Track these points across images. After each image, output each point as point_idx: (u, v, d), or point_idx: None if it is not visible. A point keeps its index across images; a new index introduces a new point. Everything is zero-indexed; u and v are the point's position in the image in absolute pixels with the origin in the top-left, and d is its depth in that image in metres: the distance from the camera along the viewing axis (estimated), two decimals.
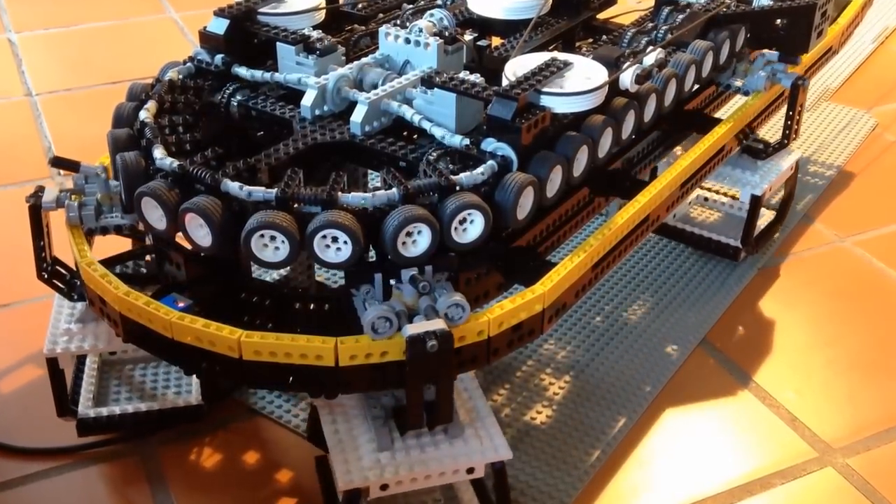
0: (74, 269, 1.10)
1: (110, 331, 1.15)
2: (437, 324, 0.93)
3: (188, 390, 1.25)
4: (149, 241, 1.13)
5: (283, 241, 0.92)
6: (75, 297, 1.15)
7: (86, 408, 1.20)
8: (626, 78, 1.14)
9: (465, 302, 0.95)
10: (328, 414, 1.05)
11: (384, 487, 0.99)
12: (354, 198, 0.94)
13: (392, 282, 0.98)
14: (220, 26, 1.17)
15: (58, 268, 1.16)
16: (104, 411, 1.20)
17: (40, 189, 1.12)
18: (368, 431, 1.02)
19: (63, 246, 1.13)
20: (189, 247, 0.99)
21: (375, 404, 1.04)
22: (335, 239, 0.92)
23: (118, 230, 1.12)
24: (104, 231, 1.11)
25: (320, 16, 1.25)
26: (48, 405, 1.20)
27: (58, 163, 1.11)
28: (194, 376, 1.25)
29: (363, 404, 1.05)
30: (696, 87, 1.31)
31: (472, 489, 1.10)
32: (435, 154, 1.02)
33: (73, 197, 1.11)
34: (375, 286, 0.98)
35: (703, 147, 1.28)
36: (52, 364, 1.17)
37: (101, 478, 1.18)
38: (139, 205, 0.97)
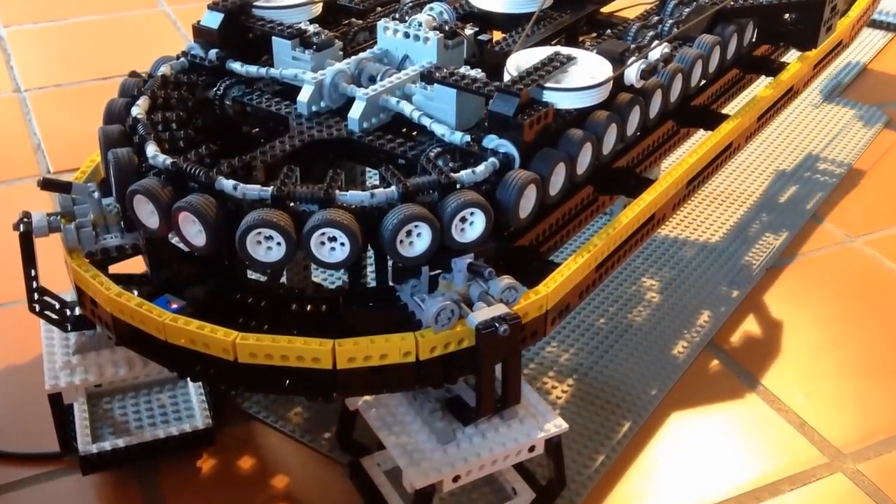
0: (76, 294, 1.06)
1: (114, 361, 1.13)
2: (500, 308, 0.94)
3: (189, 414, 1.20)
4: (141, 241, 1.10)
5: (279, 241, 0.90)
6: (69, 327, 1.12)
7: (86, 444, 1.14)
8: (631, 73, 1.12)
9: (518, 284, 0.96)
10: (378, 418, 1.05)
11: (456, 479, 1.00)
12: (352, 196, 0.92)
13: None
14: (214, 20, 1.16)
15: (46, 298, 1.11)
16: (107, 445, 1.14)
17: (26, 215, 1.06)
18: (423, 428, 1.02)
19: (47, 273, 1.11)
20: (183, 246, 0.97)
21: (429, 399, 1.04)
22: (333, 238, 0.91)
23: (120, 251, 1.07)
24: (105, 253, 1.06)
25: (317, 10, 1.24)
26: (40, 409, 1.17)
27: (48, 185, 1.06)
28: (193, 400, 1.22)
29: (408, 401, 1.05)
30: (703, 82, 1.28)
31: (513, 468, 1.12)
32: (435, 151, 1.01)
33: (63, 219, 1.06)
34: (422, 279, 0.97)
35: (711, 144, 1.26)
36: (55, 400, 1.13)
37: (92, 482, 1.16)
38: (131, 203, 0.96)
